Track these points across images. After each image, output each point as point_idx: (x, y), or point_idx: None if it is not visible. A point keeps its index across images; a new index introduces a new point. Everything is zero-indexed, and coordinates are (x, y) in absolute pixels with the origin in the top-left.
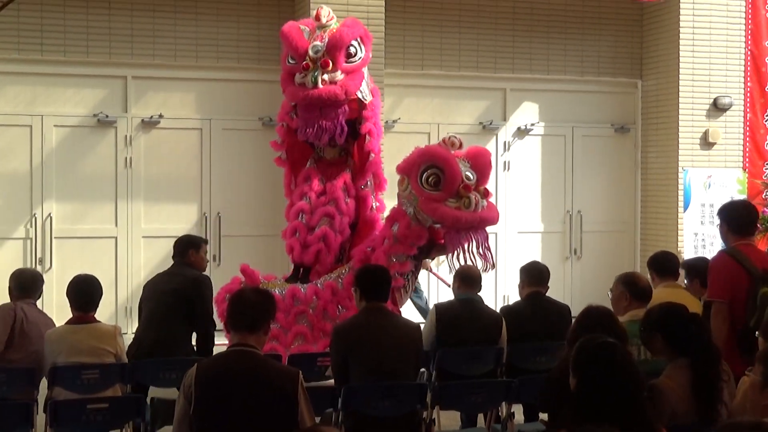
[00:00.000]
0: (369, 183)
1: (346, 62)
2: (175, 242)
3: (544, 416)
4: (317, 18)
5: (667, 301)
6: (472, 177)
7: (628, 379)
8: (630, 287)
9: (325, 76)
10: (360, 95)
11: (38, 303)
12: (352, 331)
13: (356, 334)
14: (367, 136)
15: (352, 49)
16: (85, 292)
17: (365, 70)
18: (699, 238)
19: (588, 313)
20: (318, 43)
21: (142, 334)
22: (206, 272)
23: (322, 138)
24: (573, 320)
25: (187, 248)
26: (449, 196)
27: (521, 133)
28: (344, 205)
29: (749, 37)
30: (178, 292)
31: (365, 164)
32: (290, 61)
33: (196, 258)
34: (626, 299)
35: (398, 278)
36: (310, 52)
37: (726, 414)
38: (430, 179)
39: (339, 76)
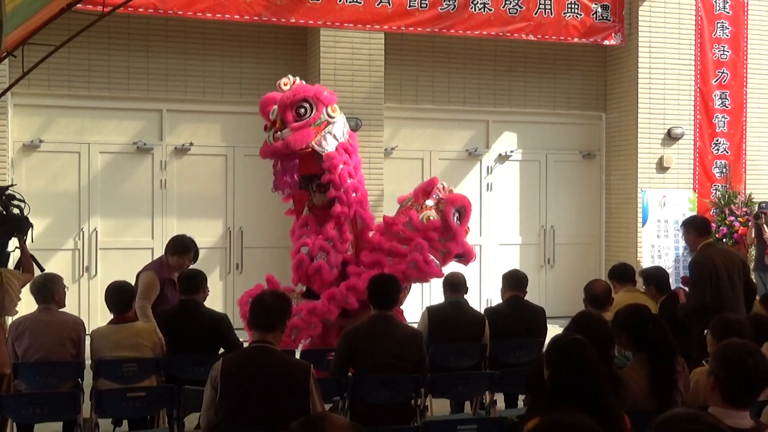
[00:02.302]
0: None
1: (297, 120)
2: (185, 278)
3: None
4: (278, 87)
5: (632, 303)
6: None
7: (593, 372)
8: (586, 294)
9: (278, 134)
10: (317, 148)
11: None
12: (359, 336)
13: (363, 339)
14: (330, 186)
15: (301, 110)
16: (120, 297)
17: (333, 124)
18: (656, 249)
19: (581, 316)
20: (275, 107)
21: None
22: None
23: (284, 189)
24: (547, 321)
25: (198, 283)
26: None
27: (502, 158)
28: (339, 243)
29: (698, 76)
30: (204, 342)
31: (333, 210)
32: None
33: (204, 295)
34: (586, 305)
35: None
36: (270, 116)
37: (680, 401)
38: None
39: (287, 133)
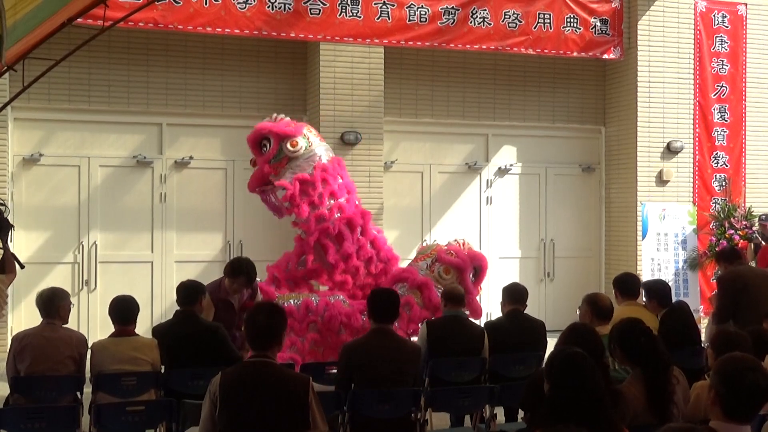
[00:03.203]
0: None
1: (261, 156)
2: (182, 289)
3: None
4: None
5: (626, 317)
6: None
7: (593, 386)
8: (592, 307)
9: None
10: (277, 184)
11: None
12: (359, 351)
13: (363, 353)
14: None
15: (263, 147)
16: (124, 310)
17: (297, 158)
18: (655, 262)
19: (574, 328)
20: None
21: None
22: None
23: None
24: (547, 334)
25: (197, 295)
26: None
27: (501, 172)
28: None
29: (697, 90)
30: (200, 353)
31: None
32: None
33: (203, 305)
34: (589, 317)
35: None
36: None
37: (677, 414)
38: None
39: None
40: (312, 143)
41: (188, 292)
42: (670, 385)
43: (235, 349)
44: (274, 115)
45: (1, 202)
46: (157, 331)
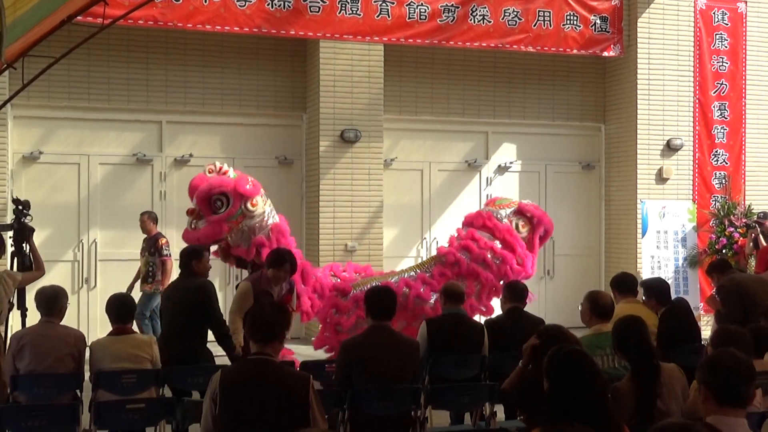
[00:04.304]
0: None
1: (213, 213)
2: (180, 254)
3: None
4: (205, 172)
5: (628, 314)
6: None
7: (593, 383)
8: (593, 305)
9: (195, 224)
10: (231, 242)
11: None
12: (358, 348)
13: (362, 350)
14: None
15: (218, 203)
16: (122, 308)
17: (252, 218)
18: (655, 260)
19: (546, 330)
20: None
21: (164, 348)
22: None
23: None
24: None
25: (190, 259)
26: None
27: (501, 170)
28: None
29: (697, 87)
30: (186, 305)
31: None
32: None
33: (199, 267)
34: (589, 315)
35: None
36: (192, 202)
37: (662, 412)
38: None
39: (201, 224)
40: (266, 201)
41: (181, 258)
42: (657, 386)
43: (220, 313)
44: (210, 165)
45: (25, 212)
46: (165, 289)
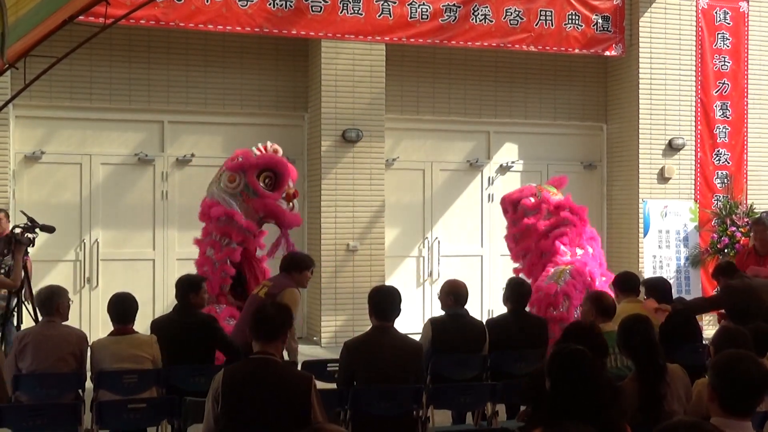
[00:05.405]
0: None
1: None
2: (176, 284)
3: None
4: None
5: (635, 313)
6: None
7: (594, 383)
8: (595, 304)
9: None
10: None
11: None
12: (361, 348)
13: (365, 351)
14: None
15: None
16: (123, 309)
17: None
18: (657, 259)
19: (575, 325)
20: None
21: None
22: None
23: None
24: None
25: (188, 291)
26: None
27: (503, 169)
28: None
29: (699, 87)
30: (185, 344)
31: None
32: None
33: (196, 300)
34: (592, 315)
35: None
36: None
37: (677, 411)
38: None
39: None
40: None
41: (179, 289)
42: (662, 387)
43: (231, 340)
44: (269, 143)
45: (32, 229)
46: (155, 323)
